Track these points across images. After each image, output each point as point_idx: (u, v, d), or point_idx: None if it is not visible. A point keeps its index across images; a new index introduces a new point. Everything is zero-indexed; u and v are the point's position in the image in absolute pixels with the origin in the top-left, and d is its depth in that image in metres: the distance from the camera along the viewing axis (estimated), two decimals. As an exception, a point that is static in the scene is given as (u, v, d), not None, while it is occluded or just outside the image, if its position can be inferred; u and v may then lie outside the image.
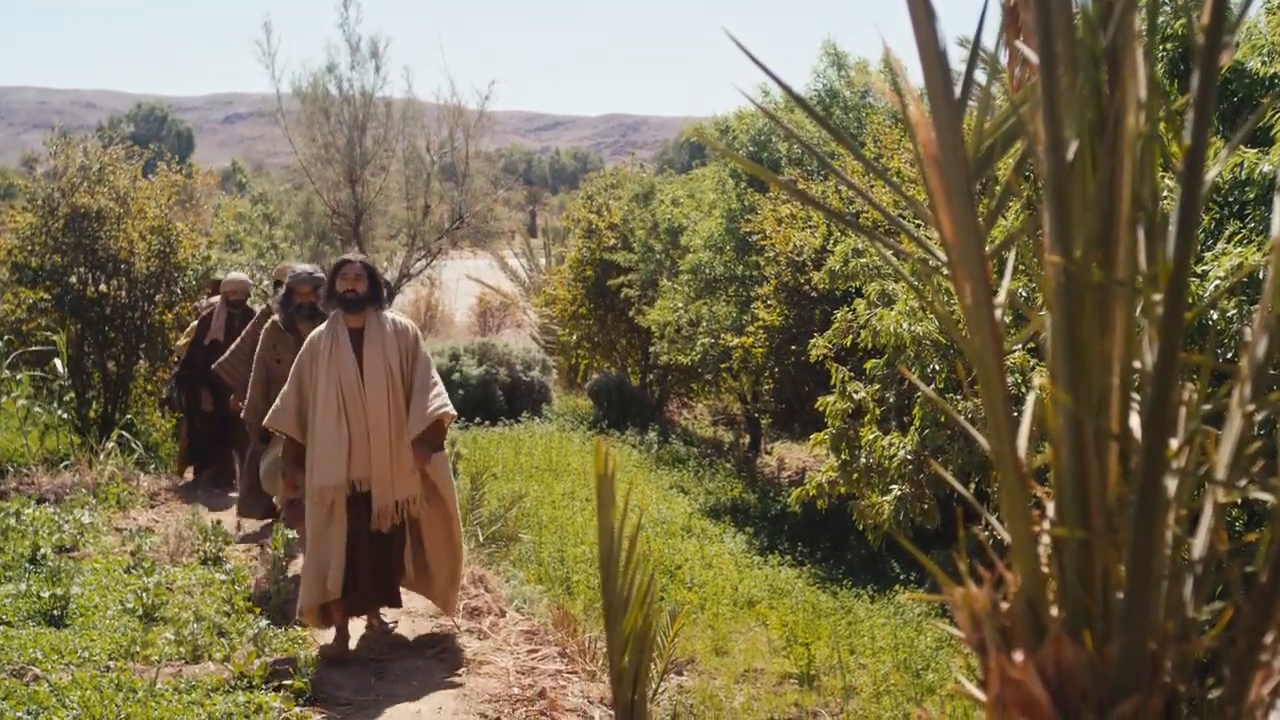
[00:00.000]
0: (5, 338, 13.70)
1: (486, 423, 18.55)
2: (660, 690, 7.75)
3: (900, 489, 9.27)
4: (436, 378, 8.01)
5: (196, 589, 8.90)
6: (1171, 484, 1.72)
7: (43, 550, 9.33)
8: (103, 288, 14.67)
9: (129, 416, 14.35)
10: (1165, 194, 5.79)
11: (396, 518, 7.85)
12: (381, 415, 7.77)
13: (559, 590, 9.87)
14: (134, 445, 13.32)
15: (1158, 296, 1.71)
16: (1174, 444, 1.72)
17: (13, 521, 10.04)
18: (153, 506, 11.94)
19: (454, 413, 8.00)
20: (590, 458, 15.43)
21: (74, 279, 14.50)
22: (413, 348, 7.95)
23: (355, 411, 7.74)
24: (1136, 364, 1.74)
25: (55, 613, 7.97)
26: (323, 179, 26.95)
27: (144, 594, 8.29)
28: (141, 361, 15.19)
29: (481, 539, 10.53)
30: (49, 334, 13.98)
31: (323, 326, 7.92)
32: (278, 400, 7.92)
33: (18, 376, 13.34)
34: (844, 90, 18.85)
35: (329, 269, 8.04)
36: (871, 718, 7.42)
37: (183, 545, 9.99)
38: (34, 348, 14.23)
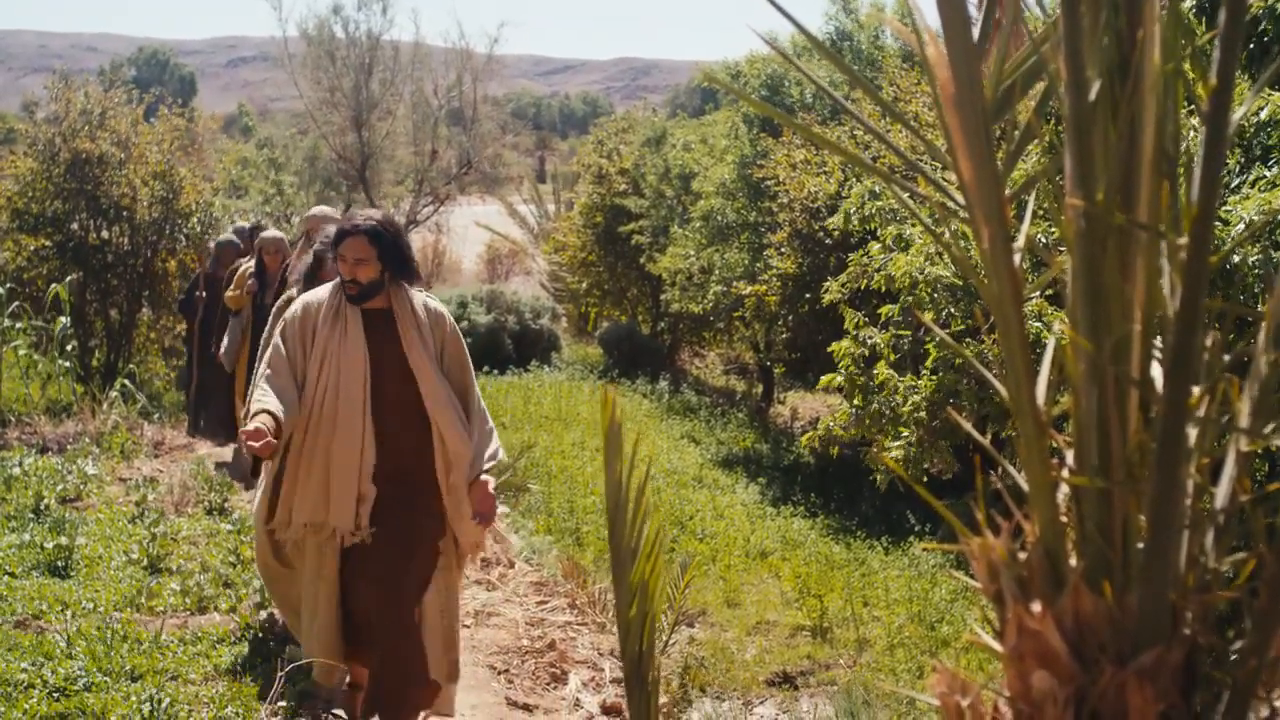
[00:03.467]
0: (6, 285, 13.58)
1: (495, 371, 18.47)
2: (671, 642, 7.70)
3: (914, 434, 9.13)
4: (475, 395, 5.74)
5: (202, 539, 8.86)
6: (1193, 432, 1.71)
7: (46, 500, 9.27)
8: (104, 234, 14.58)
9: (132, 365, 14.27)
10: (1191, 134, 5.63)
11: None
12: (407, 440, 5.54)
13: (568, 541, 9.81)
14: (137, 395, 13.23)
15: (1181, 240, 1.67)
16: (1196, 391, 1.69)
17: (16, 471, 10.00)
18: (157, 456, 11.87)
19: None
20: (600, 407, 15.33)
21: (75, 225, 14.42)
22: (453, 346, 5.68)
23: (349, 431, 5.40)
24: (1158, 310, 1.72)
25: (59, 564, 7.92)
26: (329, 124, 26.82)
27: (149, 544, 8.25)
28: (144, 309, 15.10)
29: (491, 489, 10.43)
30: (51, 282, 13.87)
31: (322, 292, 5.63)
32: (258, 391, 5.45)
33: (18, 325, 13.25)
34: (856, 34, 18.62)
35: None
36: (885, 670, 7.33)
37: (187, 495, 9.93)
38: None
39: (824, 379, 10.51)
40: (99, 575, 7.86)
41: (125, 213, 14.46)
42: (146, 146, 14.78)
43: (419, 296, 5.61)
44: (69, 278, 13.92)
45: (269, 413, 5.16)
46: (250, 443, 4.95)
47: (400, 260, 5.48)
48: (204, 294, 11.92)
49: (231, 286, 10.11)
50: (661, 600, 2.73)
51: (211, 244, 12.97)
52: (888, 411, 9.45)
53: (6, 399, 13.14)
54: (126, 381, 13.37)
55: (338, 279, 5.56)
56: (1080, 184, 1.71)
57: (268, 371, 5.40)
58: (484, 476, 5.58)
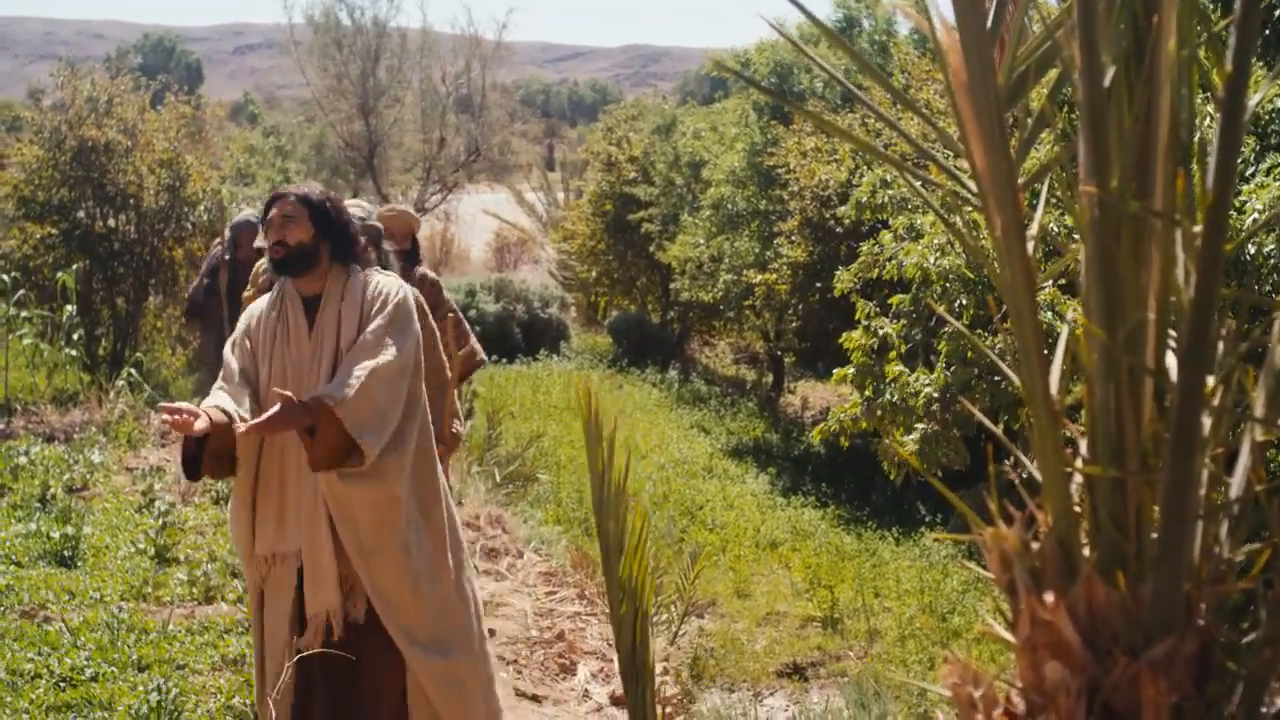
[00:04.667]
0: (12, 274, 13.56)
1: (504, 360, 18.45)
2: (681, 633, 7.67)
3: (926, 427, 9.10)
4: (392, 348, 4.43)
5: (209, 529, 8.83)
6: (1208, 421, 1.70)
7: (53, 490, 9.24)
8: (111, 222, 14.53)
9: (139, 354, 14.25)
10: (1206, 121, 5.59)
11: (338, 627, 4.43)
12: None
13: (577, 531, 9.79)
14: (144, 385, 13.21)
15: (1196, 228, 1.66)
16: (1211, 380, 1.69)
17: (22, 461, 9.96)
18: (164, 445, 11.84)
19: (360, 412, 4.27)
20: (611, 396, 15.34)
21: (82, 213, 14.36)
22: (381, 314, 4.52)
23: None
24: (1173, 298, 1.71)
25: (66, 553, 7.89)
26: (336, 111, 26.80)
27: (156, 534, 8.22)
28: (151, 298, 15.07)
29: (499, 479, 10.43)
30: (57, 270, 13.83)
31: (266, 297, 4.79)
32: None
33: (24, 313, 13.23)
34: (864, 20, 18.56)
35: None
36: (896, 661, 7.31)
37: (194, 485, 9.89)
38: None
39: (836, 373, 10.48)
40: (105, 565, 7.83)
41: (132, 201, 14.40)
42: (153, 134, 14.72)
43: (375, 278, 4.64)
44: (75, 266, 13.89)
45: (218, 407, 4.33)
46: (166, 416, 4.11)
47: (337, 228, 4.60)
48: (224, 277, 11.58)
49: (249, 286, 9.88)
50: (652, 595, 2.71)
51: (226, 229, 12.85)
52: (899, 403, 9.41)
53: (13, 388, 13.11)
54: (133, 370, 13.34)
55: (272, 290, 4.72)
56: (1094, 171, 1.69)
57: (220, 384, 4.58)
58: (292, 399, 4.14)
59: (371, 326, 4.47)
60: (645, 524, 2.65)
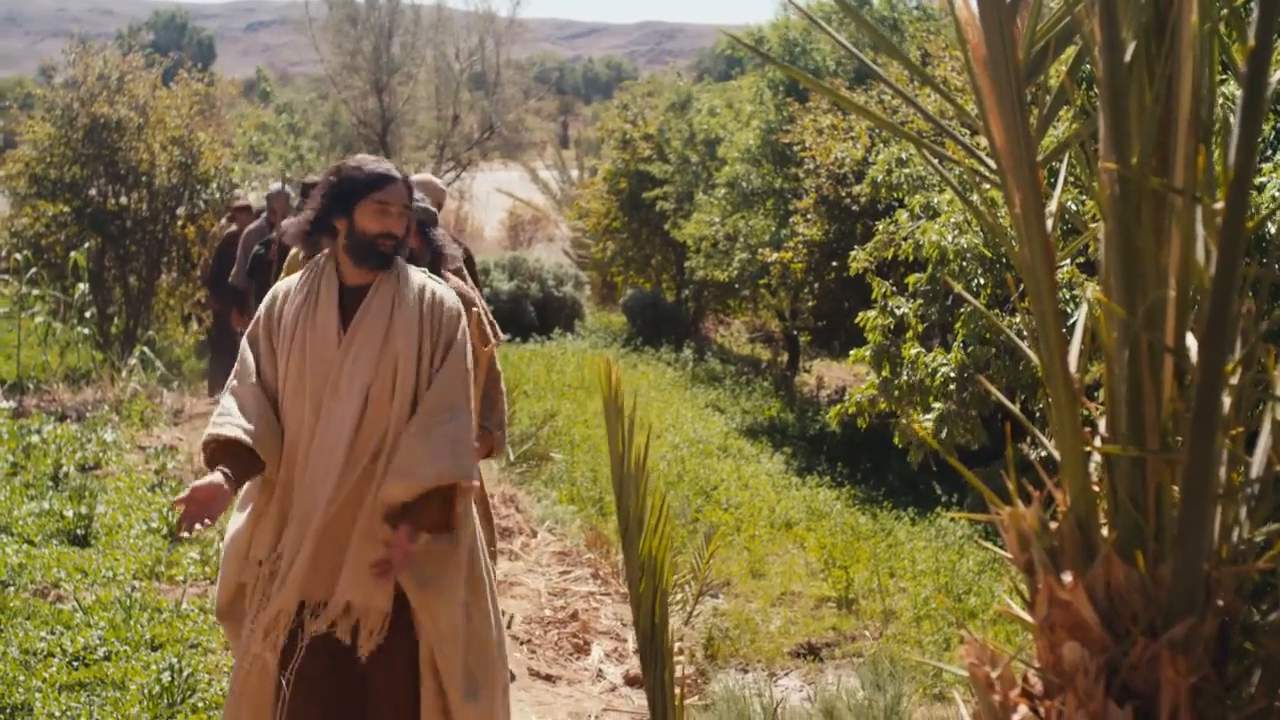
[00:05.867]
0: (24, 252, 13.57)
1: (518, 339, 18.43)
2: (695, 613, 7.66)
3: (943, 407, 9.05)
4: (459, 407, 4.13)
5: (222, 508, 8.81)
6: (1228, 401, 1.71)
7: (65, 468, 9.26)
8: (123, 200, 14.55)
9: (151, 332, 14.25)
10: (1224, 99, 5.54)
11: (346, 632, 4.03)
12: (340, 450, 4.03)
13: (591, 510, 9.78)
14: (156, 363, 13.21)
15: (1217, 205, 1.65)
16: (1231, 359, 1.69)
17: (35, 439, 9.99)
18: (176, 424, 11.85)
19: (474, 481, 4.30)
20: (625, 375, 15.30)
21: (94, 191, 14.38)
22: (448, 338, 4.17)
23: (323, 431, 4.06)
24: (1194, 276, 1.73)
25: (79, 532, 7.90)
26: (349, 88, 26.77)
27: (168, 513, 8.23)
28: (164, 276, 15.08)
29: (512, 458, 10.42)
30: (69, 249, 13.82)
31: (295, 278, 4.32)
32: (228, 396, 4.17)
33: (36, 292, 13.23)
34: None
35: (352, 176, 4.16)
36: (911, 642, 7.28)
37: (207, 466, 9.86)
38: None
39: (854, 354, 10.44)
40: (118, 544, 7.84)
41: (144, 178, 14.42)
42: (165, 111, 14.73)
43: (421, 280, 4.26)
44: (87, 244, 13.90)
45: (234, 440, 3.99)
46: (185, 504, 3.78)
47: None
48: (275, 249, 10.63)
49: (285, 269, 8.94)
50: (670, 574, 2.70)
51: (262, 198, 12.73)
52: (916, 383, 9.37)
53: (25, 366, 13.15)
54: (145, 349, 13.35)
55: (303, 270, 4.29)
56: (1115, 148, 1.69)
57: (233, 381, 4.20)
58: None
59: (451, 360, 4.14)
60: (665, 502, 2.63)
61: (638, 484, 2.60)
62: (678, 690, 2.62)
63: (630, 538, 2.60)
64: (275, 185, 12.70)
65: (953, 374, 8.95)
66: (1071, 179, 7.13)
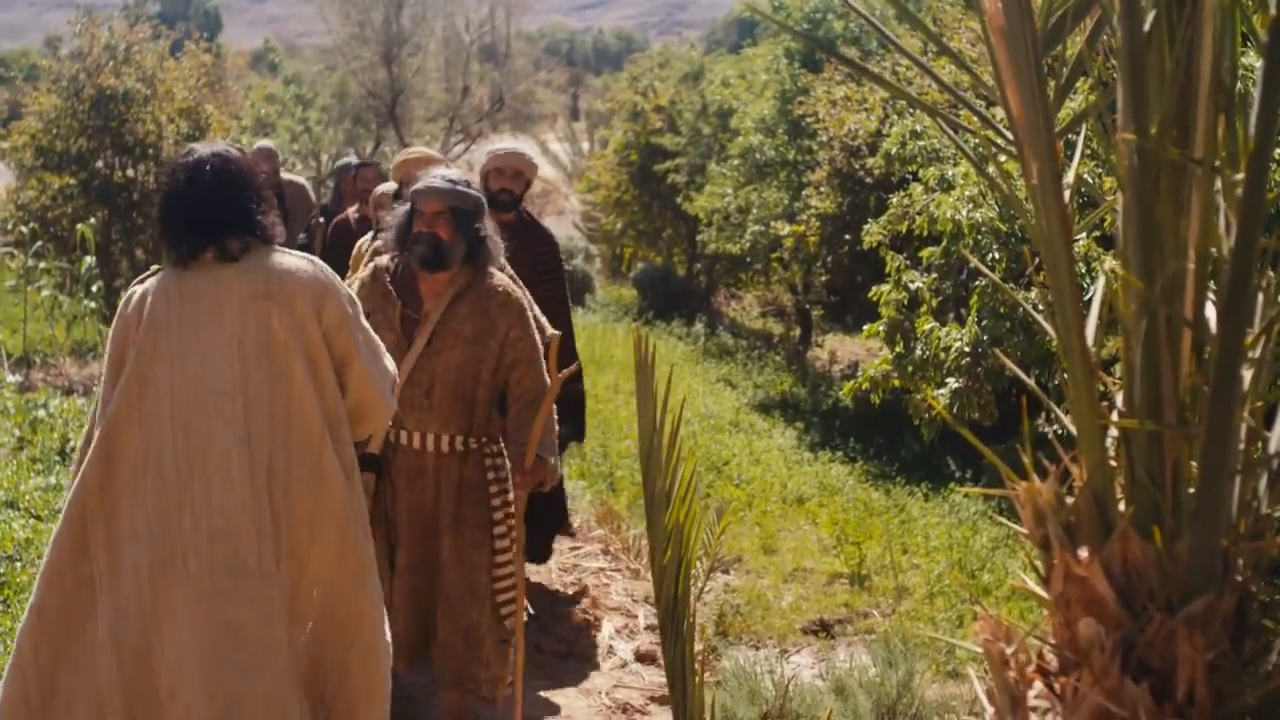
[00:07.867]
0: (30, 225, 13.53)
1: (529, 312, 18.35)
2: (706, 589, 7.63)
3: (957, 382, 8.99)
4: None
5: (229, 484, 8.79)
6: (1248, 374, 1.70)
7: (72, 443, 9.22)
8: (130, 173, 14.50)
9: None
10: (1247, 71, 5.45)
11: None
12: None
13: (602, 486, 9.76)
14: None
15: (1238, 176, 1.63)
16: (1251, 332, 1.68)
17: (41, 414, 9.98)
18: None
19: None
20: (632, 348, 15.24)
21: (100, 164, 14.34)
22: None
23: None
24: (1213, 248, 1.71)
25: (85, 506, 7.84)
26: (358, 59, 26.74)
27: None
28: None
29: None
30: (75, 221, 13.78)
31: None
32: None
33: (43, 265, 13.20)
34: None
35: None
36: (924, 619, 7.23)
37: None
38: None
39: (867, 329, 10.38)
40: (125, 518, 7.80)
41: (151, 150, 14.37)
42: (172, 83, 14.70)
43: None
44: (94, 217, 13.86)
45: None
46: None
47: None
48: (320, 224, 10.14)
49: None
50: (696, 546, 2.67)
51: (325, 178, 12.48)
52: (930, 358, 9.31)
53: (31, 340, 13.14)
54: (153, 322, 13.29)
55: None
56: (1134, 118, 1.67)
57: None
58: None
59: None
60: (696, 472, 2.65)
61: (669, 454, 2.60)
62: (698, 664, 2.61)
63: (656, 508, 2.61)
64: (341, 160, 12.37)
65: (967, 349, 8.88)
66: (1089, 151, 7.04)
